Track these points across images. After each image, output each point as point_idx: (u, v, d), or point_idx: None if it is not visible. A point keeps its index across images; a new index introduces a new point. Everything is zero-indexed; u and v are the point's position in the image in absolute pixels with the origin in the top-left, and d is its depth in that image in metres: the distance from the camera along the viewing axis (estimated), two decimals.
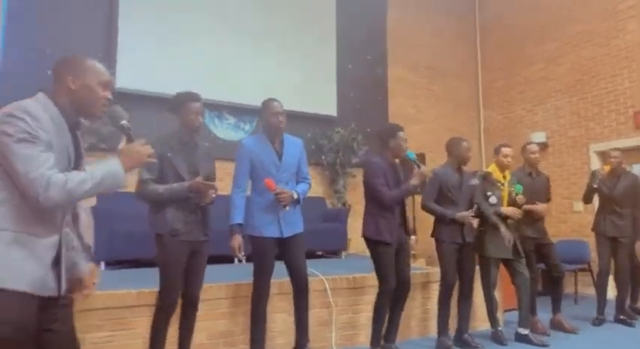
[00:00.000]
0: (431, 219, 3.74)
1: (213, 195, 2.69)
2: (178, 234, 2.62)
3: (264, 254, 2.95)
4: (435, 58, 7.86)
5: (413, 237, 3.51)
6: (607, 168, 4.49)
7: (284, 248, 3.01)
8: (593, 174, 4.51)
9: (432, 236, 3.71)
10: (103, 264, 4.37)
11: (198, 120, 2.71)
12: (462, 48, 8.19)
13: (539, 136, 6.82)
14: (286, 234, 2.99)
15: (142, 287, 3.06)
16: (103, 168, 1.49)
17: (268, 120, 3.02)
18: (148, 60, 5.42)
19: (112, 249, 4.37)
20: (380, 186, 3.21)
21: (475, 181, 3.73)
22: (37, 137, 1.40)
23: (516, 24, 7.58)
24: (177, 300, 2.67)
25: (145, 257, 3.99)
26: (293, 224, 3.04)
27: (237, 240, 2.92)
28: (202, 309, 2.95)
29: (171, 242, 2.60)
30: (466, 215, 3.52)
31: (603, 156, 6.00)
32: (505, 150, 3.99)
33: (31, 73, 4.62)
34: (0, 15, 4.94)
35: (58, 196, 1.39)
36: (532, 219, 4.16)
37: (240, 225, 2.95)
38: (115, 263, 4.45)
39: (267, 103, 3.05)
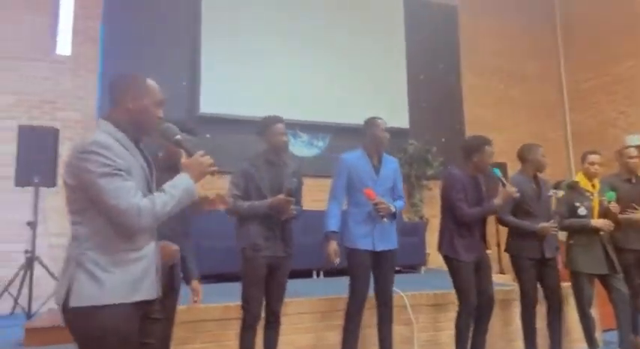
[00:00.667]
0: None
1: (294, 212, 2.79)
2: (259, 248, 2.75)
3: (359, 265, 2.98)
4: (511, 61, 7.53)
5: (489, 251, 3.34)
6: None
7: (376, 262, 3.03)
8: None
9: (506, 251, 3.52)
10: None
11: (283, 140, 2.88)
12: (542, 49, 7.77)
13: (635, 139, 6.27)
14: (379, 248, 3.00)
15: (229, 301, 3.22)
16: (179, 187, 1.58)
17: (377, 136, 3.09)
18: (226, 85, 5.76)
19: (200, 264, 4.61)
20: (459, 202, 3.11)
21: (557, 192, 3.49)
22: (116, 168, 1.47)
23: (602, 18, 7.05)
24: (260, 313, 2.78)
25: (231, 271, 4.19)
26: (387, 239, 3.05)
27: (333, 246, 2.96)
28: (286, 323, 3.03)
29: (252, 256, 2.75)
30: (547, 226, 3.31)
31: None
32: (591, 157, 3.71)
33: None
34: (97, 55, 5.52)
35: (149, 221, 1.51)
36: (632, 229, 3.80)
37: (334, 232, 3.00)
38: (203, 278, 4.69)
39: (374, 121, 3.14)
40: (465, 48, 7.26)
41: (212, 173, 1.65)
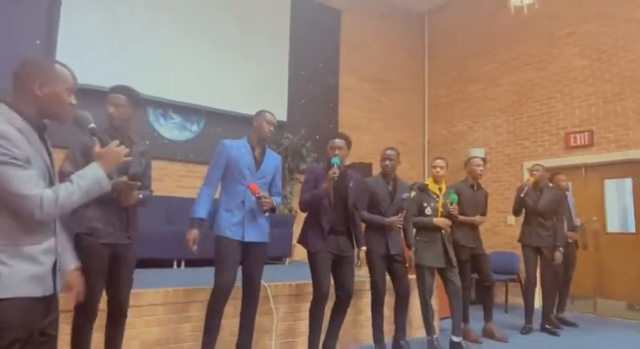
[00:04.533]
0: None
1: (140, 196, 2.55)
2: (97, 234, 2.44)
3: (226, 254, 2.91)
4: (386, 70, 8.05)
5: (363, 249, 3.54)
6: (532, 179, 4.79)
7: (245, 253, 2.99)
8: (520, 187, 4.85)
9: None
10: None
11: (117, 112, 2.56)
12: (412, 63, 8.46)
13: (478, 152, 7.05)
14: (247, 239, 2.96)
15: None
16: (88, 177, 1.53)
17: (261, 126, 3.08)
18: (90, 51, 5.16)
19: None
20: (303, 190, 3.32)
21: (411, 193, 3.87)
22: (14, 157, 1.40)
23: (462, 43, 7.94)
24: (98, 307, 2.48)
25: None
26: (257, 231, 3.02)
27: (193, 234, 2.88)
28: (136, 316, 2.82)
29: (90, 244, 2.41)
30: (394, 220, 3.62)
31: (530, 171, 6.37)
32: (435, 162, 4.20)
33: None
34: None
35: (52, 212, 1.45)
36: (468, 229, 4.36)
37: (201, 219, 2.91)
38: None
39: (263, 112, 3.14)
40: (345, 51, 7.56)
41: (125, 163, 1.64)
